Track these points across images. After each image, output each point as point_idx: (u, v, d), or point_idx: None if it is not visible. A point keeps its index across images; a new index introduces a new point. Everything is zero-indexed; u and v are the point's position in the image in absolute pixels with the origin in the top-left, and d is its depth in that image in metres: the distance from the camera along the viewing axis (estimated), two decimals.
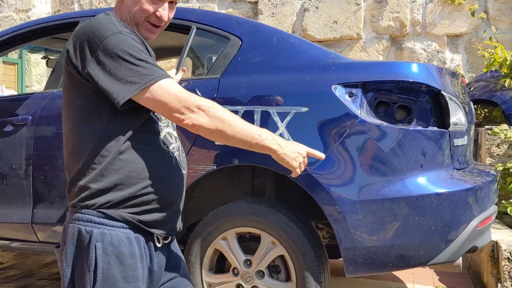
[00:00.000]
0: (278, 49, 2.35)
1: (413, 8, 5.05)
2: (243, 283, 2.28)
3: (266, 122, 2.17)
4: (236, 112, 2.22)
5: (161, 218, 1.34)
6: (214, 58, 2.54)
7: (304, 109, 2.14)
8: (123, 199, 1.28)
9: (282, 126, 2.16)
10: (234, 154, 2.21)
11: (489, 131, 3.74)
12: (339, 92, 2.13)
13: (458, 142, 2.26)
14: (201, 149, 2.27)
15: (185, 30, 2.53)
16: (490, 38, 4.50)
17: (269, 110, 2.18)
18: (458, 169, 2.25)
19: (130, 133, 1.30)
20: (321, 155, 1.43)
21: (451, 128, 2.18)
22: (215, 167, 2.25)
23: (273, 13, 5.44)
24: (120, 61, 1.24)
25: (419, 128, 2.13)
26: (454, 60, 4.97)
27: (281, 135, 2.14)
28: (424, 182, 2.08)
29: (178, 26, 2.55)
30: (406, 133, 2.11)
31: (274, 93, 2.21)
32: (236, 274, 2.29)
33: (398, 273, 3.25)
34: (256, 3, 5.54)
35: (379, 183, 2.05)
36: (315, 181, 2.09)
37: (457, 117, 2.24)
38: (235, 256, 2.27)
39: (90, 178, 1.27)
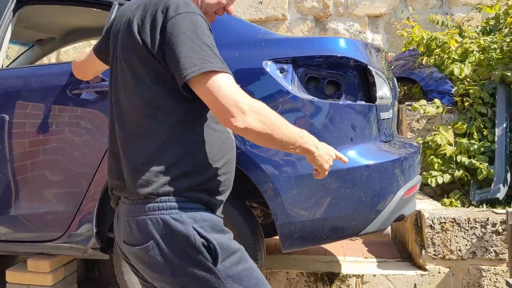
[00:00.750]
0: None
1: None
2: None
3: None
4: None
5: (223, 199, 1.32)
6: None
7: None
8: (202, 182, 1.23)
9: None
10: None
11: (409, 107, 3.91)
12: (270, 68, 2.11)
13: (384, 115, 2.33)
14: None
15: (107, 6, 2.40)
16: (408, 18, 4.70)
17: None
18: (385, 142, 2.33)
19: (202, 116, 1.26)
20: (346, 159, 1.41)
21: (377, 102, 2.24)
22: None
23: None
24: (187, 40, 1.16)
25: (348, 102, 2.16)
26: (375, 40, 5.14)
27: None
28: (354, 155, 2.12)
29: (99, 3, 2.40)
30: (337, 108, 2.14)
31: None
32: None
33: (329, 247, 3.34)
34: None
35: None
36: (250, 159, 2.07)
37: (383, 91, 2.31)
38: None
39: (169, 164, 1.20)
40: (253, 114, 1.16)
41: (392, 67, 4.61)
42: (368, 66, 2.20)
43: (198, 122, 1.25)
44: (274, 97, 2.08)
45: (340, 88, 2.21)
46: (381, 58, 2.46)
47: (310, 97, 2.13)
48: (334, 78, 2.21)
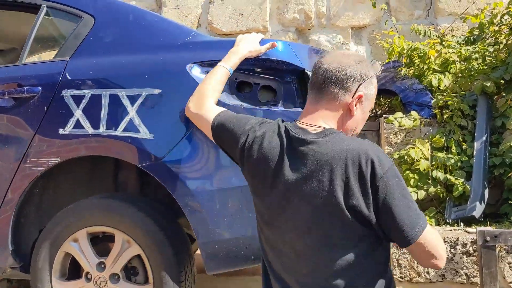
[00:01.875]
0: (134, 27, 2.14)
1: (318, 0, 5.00)
2: None
3: (115, 107, 1.95)
4: (82, 96, 1.98)
5: None
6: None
7: (157, 91, 1.94)
8: None
9: (132, 111, 1.94)
10: (81, 143, 1.97)
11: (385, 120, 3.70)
12: (195, 71, 1.95)
13: None
14: (45, 138, 2.01)
15: (34, 10, 2.26)
16: (391, 28, 4.51)
17: (118, 93, 1.96)
18: None
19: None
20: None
21: None
22: (59, 160, 1.99)
23: (177, 5, 5.22)
24: (402, 199, 1.22)
25: (281, 109, 1.98)
26: (358, 51, 4.96)
27: (131, 120, 1.93)
28: None
29: (26, 5, 2.27)
30: (271, 115, 1.95)
31: (125, 74, 1.99)
32: (89, 280, 2.04)
33: None
34: None
35: (236, 169, 1.88)
36: (169, 171, 1.89)
37: None
38: (87, 259, 2.02)
39: None
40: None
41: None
42: (306, 71, 2.01)
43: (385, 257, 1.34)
44: None
45: (276, 94, 2.03)
46: None
47: (239, 102, 1.95)
48: (269, 84, 2.03)
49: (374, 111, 4.72)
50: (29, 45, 2.19)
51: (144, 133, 1.91)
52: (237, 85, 1.99)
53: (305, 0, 4.96)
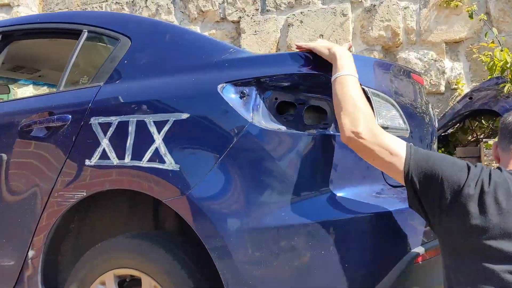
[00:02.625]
0: (170, 47, 1.94)
1: (406, 15, 4.54)
2: None
3: (142, 135, 1.74)
4: (109, 124, 1.81)
5: None
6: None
7: (185, 116, 1.70)
8: None
9: (158, 138, 1.71)
10: (106, 176, 1.79)
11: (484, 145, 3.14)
12: (226, 92, 1.68)
13: None
14: (72, 170, 1.86)
15: (76, 35, 2.17)
16: (492, 41, 3.93)
17: (145, 119, 1.75)
18: (395, 186, 1.73)
19: None
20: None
21: None
22: (84, 194, 1.82)
23: (255, 31, 5.06)
24: None
25: (335, 133, 1.63)
26: (454, 69, 4.39)
27: (157, 149, 1.70)
28: (336, 202, 1.57)
29: (68, 32, 2.19)
30: (318, 140, 1.62)
31: (153, 98, 1.78)
32: None
33: None
34: (238, 22, 5.19)
35: (275, 206, 1.55)
36: (195, 207, 1.62)
37: (389, 118, 1.73)
38: None
39: None
40: None
41: (472, 98, 3.85)
42: (361, 85, 1.66)
43: None
44: (227, 129, 1.63)
45: (326, 115, 1.70)
46: (392, 76, 1.88)
47: (280, 126, 1.64)
48: (317, 103, 1.70)
49: (475, 135, 4.11)
50: (67, 72, 2.09)
51: (169, 163, 1.67)
52: (278, 106, 1.69)
53: (391, 16, 4.54)
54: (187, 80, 1.77)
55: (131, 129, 1.76)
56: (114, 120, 1.80)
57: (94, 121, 1.83)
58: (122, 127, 1.78)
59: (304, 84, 1.69)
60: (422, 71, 4.38)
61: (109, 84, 1.93)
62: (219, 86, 1.68)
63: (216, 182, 1.61)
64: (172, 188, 1.65)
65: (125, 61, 1.95)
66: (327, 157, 1.61)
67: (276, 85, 1.69)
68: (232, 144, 1.61)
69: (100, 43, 2.20)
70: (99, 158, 1.79)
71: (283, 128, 1.64)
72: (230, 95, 1.67)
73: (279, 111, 1.70)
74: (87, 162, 1.81)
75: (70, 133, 1.88)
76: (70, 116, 1.90)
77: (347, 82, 1.54)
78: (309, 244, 1.51)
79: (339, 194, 1.58)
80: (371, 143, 1.44)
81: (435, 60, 4.43)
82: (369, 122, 1.47)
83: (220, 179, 1.60)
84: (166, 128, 1.71)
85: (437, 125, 2.31)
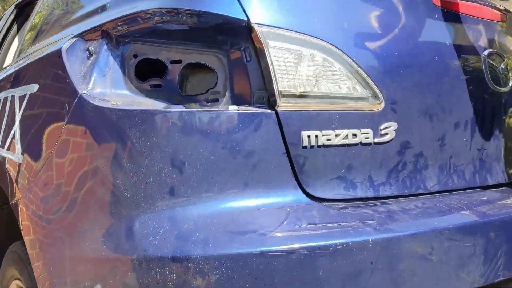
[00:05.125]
0: None
1: None
2: None
3: (8, 113, 1.35)
4: None
5: None
6: None
7: (35, 88, 1.24)
8: None
9: (17, 119, 1.29)
10: None
11: None
12: (72, 51, 1.15)
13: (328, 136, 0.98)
14: None
15: None
16: None
17: (10, 94, 1.35)
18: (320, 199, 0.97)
19: None
20: None
21: (283, 107, 0.95)
22: None
23: None
24: None
25: (235, 108, 0.97)
26: None
27: (14, 133, 1.29)
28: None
29: None
30: (213, 122, 0.99)
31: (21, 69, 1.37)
32: None
33: None
34: None
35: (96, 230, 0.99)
36: (27, 216, 1.16)
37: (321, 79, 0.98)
38: None
39: None
40: None
41: None
42: (254, 25, 0.95)
43: None
44: (60, 105, 1.11)
45: (216, 80, 1.04)
46: None
47: (132, 99, 1.05)
48: (199, 59, 1.05)
49: None
50: None
51: (17, 153, 1.24)
52: (137, 66, 1.09)
53: None
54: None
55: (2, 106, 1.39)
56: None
57: None
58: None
59: (182, 30, 1.06)
60: None
61: None
62: (65, 44, 1.15)
63: (42, 186, 1.12)
64: (14, 188, 1.23)
65: None
66: (207, 149, 0.96)
67: (135, 35, 1.09)
68: (62, 129, 1.09)
69: None
70: None
71: (141, 101, 1.04)
72: (74, 55, 1.13)
73: (139, 76, 1.09)
74: None
75: None
76: None
77: None
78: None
79: (221, 206, 0.93)
80: None
81: None
82: None
83: (47, 182, 1.11)
84: (23, 105, 1.28)
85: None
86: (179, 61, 1.06)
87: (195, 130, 0.94)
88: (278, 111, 0.95)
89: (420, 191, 1.07)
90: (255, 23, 0.97)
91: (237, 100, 1.02)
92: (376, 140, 1.02)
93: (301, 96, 0.96)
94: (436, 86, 1.12)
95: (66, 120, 1.07)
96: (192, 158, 0.92)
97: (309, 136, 0.96)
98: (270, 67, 0.95)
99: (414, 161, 1.07)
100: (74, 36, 1.15)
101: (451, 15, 1.19)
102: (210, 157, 0.92)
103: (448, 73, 1.14)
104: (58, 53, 1.14)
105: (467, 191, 1.14)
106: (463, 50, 1.19)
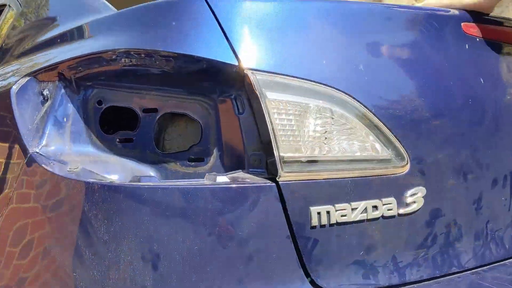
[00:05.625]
0: None
1: None
2: None
3: None
4: None
5: None
6: None
7: None
8: None
9: None
10: None
11: None
12: (22, 92, 0.93)
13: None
14: None
15: None
16: None
17: None
18: None
19: None
20: None
21: (284, 178, 0.75)
22: None
23: None
24: None
25: (224, 180, 0.77)
26: None
27: None
28: None
29: None
30: (192, 197, 0.78)
31: None
32: None
33: None
34: None
35: None
36: None
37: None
38: None
39: None
40: None
41: None
42: (247, 70, 0.74)
43: None
44: (9, 166, 0.90)
45: (201, 136, 0.83)
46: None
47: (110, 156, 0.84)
48: (181, 109, 0.84)
49: None
50: None
51: None
52: (102, 116, 0.88)
53: None
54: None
55: None
56: None
57: None
58: None
59: (158, 74, 0.84)
60: None
61: None
62: (16, 85, 0.94)
63: None
64: None
65: None
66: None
67: (100, 77, 0.87)
68: (11, 196, 0.87)
69: None
70: None
71: (108, 161, 0.83)
72: (25, 99, 0.92)
73: (104, 127, 0.88)
74: None
75: None
76: None
77: None
78: None
79: None
80: None
81: None
82: None
83: None
84: None
85: None
86: (155, 110, 0.86)
87: (173, 211, 0.73)
88: (280, 183, 0.74)
89: (454, 269, 0.87)
90: (249, 69, 0.75)
91: (227, 160, 0.82)
92: (401, 211, 0.81)
93: (309, 161, 0.76)
94: (471, 135, 0.92)
95: (14, 187, 0.86)
96: (169, 249, 0.71)
97: (319, 213, 0.75)
98: (269, 126, 0.74)
99: (446, 232, 0.87)
100: (27, 75, 0.93)
101: (488, 45, 0.98)
102: (193, 247, 0.72)
103: (484, 119, 0.93)
104: (6, 95, 0.93)
105: (507, 262, 0.94)
106: (502, 87, 0.98)
